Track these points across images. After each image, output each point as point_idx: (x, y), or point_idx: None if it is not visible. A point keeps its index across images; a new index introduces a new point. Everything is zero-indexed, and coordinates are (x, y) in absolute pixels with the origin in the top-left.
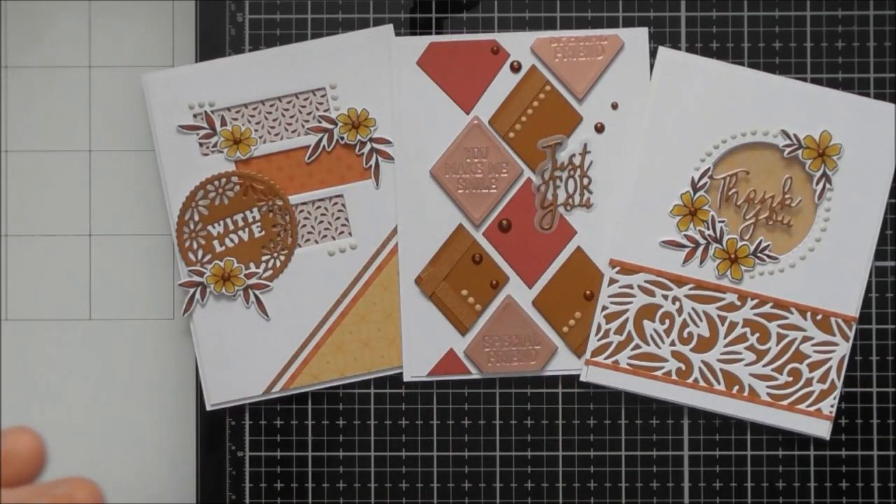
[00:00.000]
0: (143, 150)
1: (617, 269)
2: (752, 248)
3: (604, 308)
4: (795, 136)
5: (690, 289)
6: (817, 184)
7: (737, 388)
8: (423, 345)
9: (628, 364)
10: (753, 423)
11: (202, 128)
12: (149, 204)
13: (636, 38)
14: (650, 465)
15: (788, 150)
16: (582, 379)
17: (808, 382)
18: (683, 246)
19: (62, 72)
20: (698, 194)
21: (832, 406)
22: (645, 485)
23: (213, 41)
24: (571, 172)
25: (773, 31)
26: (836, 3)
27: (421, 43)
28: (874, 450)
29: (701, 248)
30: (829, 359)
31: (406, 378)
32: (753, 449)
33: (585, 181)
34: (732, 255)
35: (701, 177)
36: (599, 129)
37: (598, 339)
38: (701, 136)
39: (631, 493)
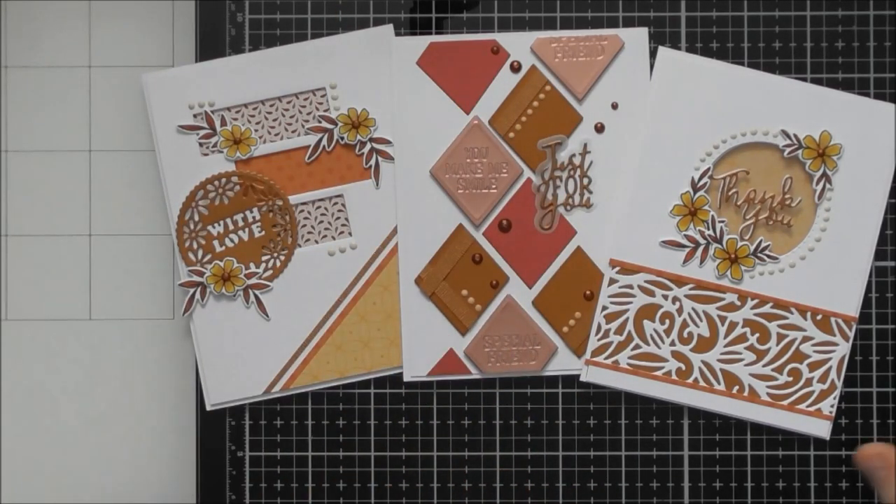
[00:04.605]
0: (143, 150)
1: (617, 269)
2: (752, 248)
3: (604, 308)
4: (795, 136)
5: (690, 289)
6: (817, 184)
7: (737, 388)
8: (423, 345)
9: (628, 364)
10: (753, 423)
11: (202, 128)
12: (149, 204)
13: (636, 38)
14: (650, 465)
15: (788, 150)
16: (582, 379)
17: (808, 382)
18: (683, 246)
19: (62, 72)
20: (698, 194)
21: (832, 406)
22: (645, 485)
23: (213, 41)
24: (571, 172)
25: (773, 31)
26: (836, 3)
27: (421, 43)
28: None
29: (701, 248)
30: (829, 359)
31: (406, 378)
32: (753, 449)
33: (585, 181)
34: (732, 255)
35: (701, 177)
36: (599, 129)
37: (598, 339)
38: (701, 136)
39: (631, 493)
